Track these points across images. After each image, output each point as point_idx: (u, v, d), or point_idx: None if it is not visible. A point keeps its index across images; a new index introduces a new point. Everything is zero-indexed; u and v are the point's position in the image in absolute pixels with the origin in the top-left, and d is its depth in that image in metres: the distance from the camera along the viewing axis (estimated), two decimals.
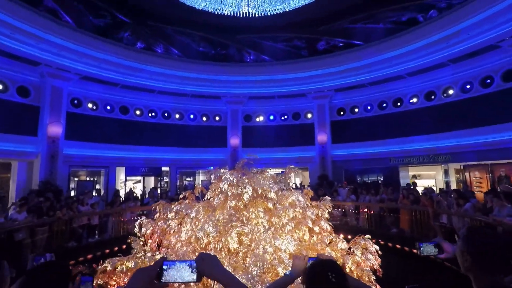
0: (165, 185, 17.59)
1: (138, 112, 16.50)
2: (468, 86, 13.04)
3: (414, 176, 16.59)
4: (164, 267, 1.13)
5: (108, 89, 15.33)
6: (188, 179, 18.64)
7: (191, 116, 17.69)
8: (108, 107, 15.62)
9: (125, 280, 3.56)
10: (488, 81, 12.39)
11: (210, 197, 4.52)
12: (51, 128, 12.86)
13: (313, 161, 16.89)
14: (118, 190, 14.24)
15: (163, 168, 17.61)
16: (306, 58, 15.88)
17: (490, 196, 6.54)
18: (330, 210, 4.80)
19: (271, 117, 18.01)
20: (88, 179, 16.63)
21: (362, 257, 3.99)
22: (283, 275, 2.05)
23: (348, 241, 4.33)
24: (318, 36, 16.17)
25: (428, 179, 15.98)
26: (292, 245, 3.52)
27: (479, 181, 13.01)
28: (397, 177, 15.15)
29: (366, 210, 10.79)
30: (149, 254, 3.73)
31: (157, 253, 3.78)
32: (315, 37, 16.25)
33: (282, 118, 18.00)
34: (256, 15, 11.23)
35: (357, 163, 16.50)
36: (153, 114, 17.00)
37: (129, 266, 3.62)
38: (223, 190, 4.28)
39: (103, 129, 15.05)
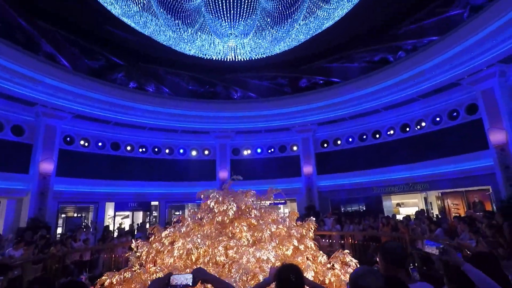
0: (154, 219, 17.63)
1: (129, 148, 17.00)
2: (438, 119, 14.13)
3: (398, 205, 17.18)
4: (171, 277, 1.75)
5: (100, 126, 15.91)
6: (177, 212, 18.76)
7: (181, 151, 18.26)
8: (100, 144, 16.11)
9: None
10: (455, 114, 13.52)
11: (201, 217, 5.02)
12: (43, 165, 13.18)
13: (300, 192, 17.36)
14: (108, 226, 14.30)
15: (153, 203, 17.77)
16: (289, 95, 16.99)
17: (456, 222, 7.15)
18: (314, 229, 5.23)
19: (259, 150, 18.72)
20: (75, 215, 16.58)
21: (342, 270, 4.41)
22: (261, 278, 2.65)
23: (329, 256, 4.80)
24: (300, 74, 17.49)
25: (411, 207, 16.56)
26: (272, 256, 3.97)
27: (456, 207, 13.66)
28: (380, 206, 15.68)
29: (350, 239, 11.18)
30: (146, 275, 4.08)
31: (152, 268, 4.15)
32: (297, 76, 17.55)
33: (269, 151, 18.73)
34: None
35: (343, 193, 17.05)
36: (144, 149, 17.51)
37: (127, 276, 4.05)
38: (211, 207, 4.83)
39: (94, 165, 15.40)
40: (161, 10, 8.65)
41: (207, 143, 18.55)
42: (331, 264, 4.49)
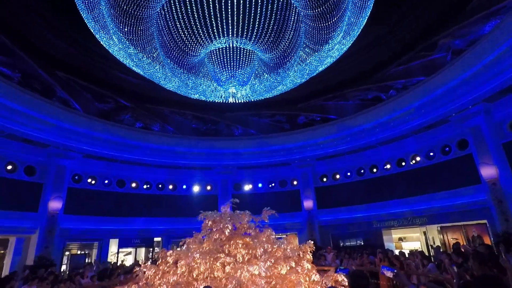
0: (156, 256, 17.63)
1: (133, 185, 17.52)
2: (431, 154, 14.65)
3: (400, 239, 17.17)
4: None
5: (107, 164, 16.60)
6: (179, 249, 18.77)
7: (184, 187, 18.73)
8: (106, 181, 16.68)
9: None
10: (447, 149, 14.06)
11: (201, 237, 5.45)
12: (52, 204, 13.68)
13: (301, 226, 17.49)
14: (116, 262, 14.47)
15: (156, 239, 17.91)
16: (288, 132, 17.78)
17: (444, 257, 7.42)
18: (311, 251, 5.52)
19: (260, 185, 19.13)
20: (79, 252, 16.72)
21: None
22: None
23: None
24: (297, 112, 18.37)
25: (413, 241, 16.55)
26: (263, 271, 4.32)
27: (456, 241, 13.68)
28: (381, 240, 15.72)
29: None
30: None
31: (157, 281, 4.55)
32: (294, 113, 18.44)
33: (270, 185, 19.13)
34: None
35: (343, 227, 17.14)
36: (148, 186, 18.02)
37: None
38: (209, 225, 5.28)
39: (99, 202, 15.86)
40: (169, 61, 9.62)
41: (209, 179, 19.05)
42: (323, 282, 4.80)
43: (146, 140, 16.29)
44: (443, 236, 14.38)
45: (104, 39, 9.61)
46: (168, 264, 4.94)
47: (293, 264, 4.90)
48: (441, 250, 12.45)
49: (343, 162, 17.88)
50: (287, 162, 18.38)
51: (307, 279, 4.75)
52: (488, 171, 11.54)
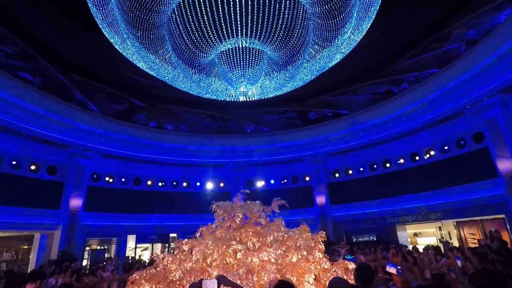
0: (172, 251, 18.16)
1: (149, 183, 18.03)
2: (446, 148, 14.39)
3: (416, 235, 17.01)
4: (203, 282, 2.56)
5: (123, 163, 17.14)
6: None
7: (198, 184, 19.12)
8: (123, 179, 17.25)
9: (147, 286, 4.58)
10: (462, 142, 13.78)
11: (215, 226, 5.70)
12: (72, 202, 14.30)
13: (314, 222, 17.55)
14: (134, 257, 15.03)
15: (171, 234, 18.42)
16: (299, 128, 17.82)
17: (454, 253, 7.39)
18: (323, 241, 5.55)
19: (272, 181, 19.29)
20: (99, 248, 17.40)
21: (343, 275, 4.76)
22: (264, 278, 3.36)
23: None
24: (308, 108, 18.37)
25: (429, 236, 16.38)
26: (272, 257, 4.51)
27: (472, 237, 13.48)
28: (395, 236, 15.63)
29: None
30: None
31: (173, 267, 4.88)
32: (306, 109, 18.44)
33: (282, 182, 19.26)
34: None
35: (356, 223, 17.12)
36: (163, 183, 18.50)
37: (152, 272, 4.84)
38: (221, 214, 5.50)
39: (117, 200, 16.43)
40: (180, 62, 9.86)
41: (222, 176, 19.35)
42: (334, 270, 4.87)
43: (160, 139, 16.72)
44: (459, 231, 14.18)
45: (118, 43, 9.95)
46: (184, 253, 5.18)
47: (304, 253, 4.95)
48: (450, 245, 12.29)
49: (355, 157, 17.79)
50: (299, 158, 18.44)
51: (318, 267, 4.85)
52: (505, 164, 11.29)
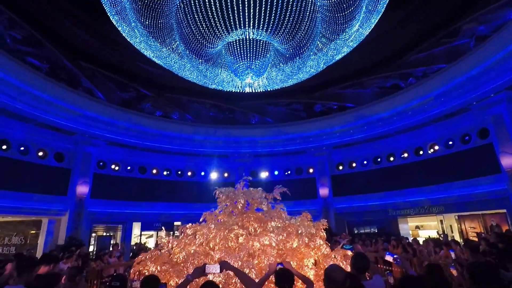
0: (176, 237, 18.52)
1: (154, 171, 18.27)
2: (450, 143, 14.40)
3: (417, 227, 17.17)
4: (206, 266, 2.66)
5: (129, 151, 17.36)
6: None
7: (202, 174, 19.33)
8: (129, 168, 17.49)
9: (153, 267, 4.76)
10: (467, 138, 13.79)
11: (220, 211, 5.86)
12: (79, 188, 14.57)
13: (317, 213, 17.74)
14: (140, 243, 15.35)
15: (175, 223, 18.73)
16: (304, 120, 17.85)
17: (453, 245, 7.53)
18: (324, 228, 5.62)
19: (276, 173, 19.44)
20: (105, 234, 17.79)
21: (342, 262, 4.89)
22: (265, 261, 3.51)
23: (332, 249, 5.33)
24: (314, 100, 18.36)
25: (431, 229, 16.52)
26: (273, 241, 4.66)
27: (473, 230, 13.62)
28: (396, 228, 15.81)
29: None
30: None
31: (177, 249, 5.07)
32: (311, 102, 18.43)
33: (286, 173, 19.41)
34: None
35: (359, 215, 17.30)
36: (168, 172, 18.74)
37: (157, 253, 5.08)
38: (223, 199, 5.66)
39: (123, 188, 16.71)
40: (187, 52, 9.90)
41: (226, 166, 19.53)
42: (333, 256, 5.03)
43: (165, 128, 16.86)
44: (460, 225, 14.32)
45: (126, 31, 9.98)
46: (188, 237, 5.33)
47: (306, 240, 5.03)
48: (448, 238, 12.44)
49: (359, 151, 17.85)
50: (303, 150, 18.53)
51: (318, 252, 4.97)
52: (508, 161, 11.32)
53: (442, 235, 13.26)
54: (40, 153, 14.19)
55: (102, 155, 16.38)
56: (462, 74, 12.16)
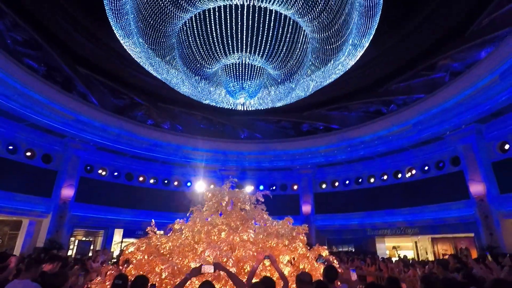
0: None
1: (141, 179, 18.42)
2: (426, 168, 15.37)
3: (394, 248, 17.84)
4: (202, 267, 3.12)
5: (117, 157, 17.51)
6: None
7: (188, 184, 19.59)
8: (116, 173, 17.60)
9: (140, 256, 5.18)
10: (441, 164, 14.77)
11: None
12: (64, 191, 14.59)
13: None
14: (123, 250, 15.24)
15: (158, 232, 18.71)
16: (292, 138, 18.58)
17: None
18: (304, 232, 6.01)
19: (261, 187, 19.91)
20: (84, 239, 17.57)
21: (315, 261, 5.32)
22: (243, 253, 3.97)
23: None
24: (302, 120, 19.18)
25: (408, 250, 17.21)
26: (251, 236, 5.16)
27: (445, 252, 14.39)
28: (374, 248, 16.43)
29: None
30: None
31: (164, 239, 5.53)
32: (299, 121, 19.24)
33: (271, 188, 19.91)
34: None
35: (339, 233, 17.88)
36: (155, 180, 18.92)
37: (146, 242, 5.50)
38: (209, 197, 6.12)
39: (108, 193, 16.76)
40: (186, 69, 10.47)
41: (213, 178, 19.86)
42: (308, 255, 5.46)
43: (156, 137, 17.18)
44: (433, 247, 15.10)
45: (128, 44, 10.50)
46: (176, 233, 5.79)
47: (286, 243, 5.46)
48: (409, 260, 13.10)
49: (342, 171, 18.64)
50: (289, 167, 19.17)
51: (295, 252, 5.37)
52: (476, 188, 12.25)
53: (402, 258, 13.97)
54: (28, 153, 14.23)
55: (90, 159, 16.48)
56: (438, 105, 13.21)
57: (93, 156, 16.45)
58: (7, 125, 13.38)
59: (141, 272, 4.98)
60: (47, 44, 14.21)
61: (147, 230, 5.97)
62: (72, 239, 16.67)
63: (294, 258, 5.25)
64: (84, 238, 17.45)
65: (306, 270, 5.04)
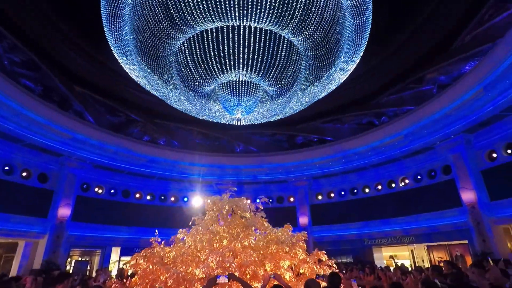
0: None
1: (138, 195, 18.39)
2: (419, 177, 15.76)
3: (391, 257, 17.99)
4: (218, 278, 3.33)
5: (114, 175, 17.51)
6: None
7: (185, 199, 19.59)
8: (112, 191, 17.55)
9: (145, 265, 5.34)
10: (433, 173, 15.18)
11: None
12: (61, 211, 14.49)
13: None
14: (123, 268, 15.10)
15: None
16: (287, 151, 18.87)
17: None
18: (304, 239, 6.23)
19: (258, 200, 19.95)
20: (80, 259, 17.29)
21: (316, 266, 5.52)
22: (245, 258, 4.13)
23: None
24: (296, 132, 19.55)
25: (405, 259, 17.38)
26: (252, 243, 5.38)
27: (441, 259, 14.59)
28: (371, 257, 16.57)
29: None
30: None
31: (168, 248, 5.80)
32: (294, 134, 19.61)
33: (269, 201, 20.00)
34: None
35: (336, 244, 17.97)
36: (151, 197, 18.90)
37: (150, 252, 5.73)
38: (210, 206, 6.29)
39: (105, 211, 16.67)
40: (183, 87, 10.76)
41: (210, 193, 19.90)
42: (308, 260, 5.65)
43: (152, 153, 17.26)
44: (429, 255, 15.31)
45: (126, 63, 10.79)
46: (179, 244, 5.99)
47: (286, 249, 5.66)
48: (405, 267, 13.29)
49: (337, 182, 18.92)
50: (285, 180, 19.38)
51: (296, 257, 5.58)
52: (467, 195, 12.63)
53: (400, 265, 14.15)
54: (24, 174, 14.17)
55: (87, 177, 16.45)
56: (426, 117, 13.68)
57: (90, 174, 16.44)
58: (3, 145, 13.37)
59: (146, 281, 5.16)
60: (44, 64, 14.40)
61: (150, 240, 6.15)
62: (69, 259, 16.43)
63: (294, 264, 5.44)
64: (80, 258, 17.20)
65: (307, 275, 5.25)
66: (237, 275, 4.27)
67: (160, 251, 5.74)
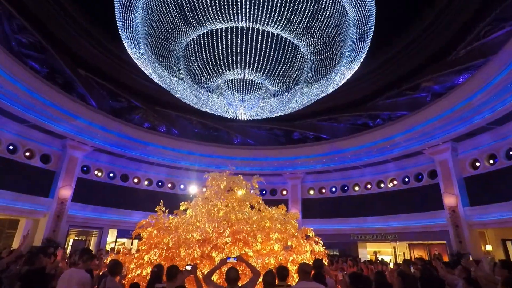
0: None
1: (136, 180, 18.89)
2: (406, 179, 16.58)
3: (375, 252, 18.96)
4: (228, 259, 4.02)
5: (114, 159, 17.95)
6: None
7: (182, 186, 20.17)
8: (111, 174, 18.02)
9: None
10: (420, 176, 16.00)
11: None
12: (62, 191, 14.96)
13: None
14: (120, 249, 15.74)
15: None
16: (283, 146, 19.48)
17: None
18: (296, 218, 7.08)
19: (252, 191, 20.66)
20: (77, 238, 17.85)
21: (303, 240, 6.32)
22: (237, 227, 5.14)
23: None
24: (294, 128, 20.12)
25: (387, 255, 18.37)
26: (246, 215, 6.21)
27: (420, 258, 15.54)
28: (356, 252, 17.49)
29: None
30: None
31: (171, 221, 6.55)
32: (291, 129, 20.18)
33: (261, 193, 20.72)
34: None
35: (324, 237, 18.63)
36: (149, 182, 19.42)
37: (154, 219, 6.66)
38: (209, 180, 7.16)
39: (104, 194, 17.18)
40: (189, 80, 11.19)
41: (205, 182, 20.45)
42: (296, 234, 6.45)
43: (152, 140, 17.71)
44: (410, 252, 16.27)
45: (135, 54, 11.16)
46: (181, 216, 6.81)
47: (279, 226, 6.32)
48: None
49: (330, 178, 19.66)
50: (279, 173, 20.05)
51: (285, 232, 6.31)
52: (449, 200, 13.47)
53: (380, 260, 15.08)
54: (27, 153, 14.53)
55: (87, 160, 16.87)
56: (418, 123, 14.40)
57: (90, 157, 16.85)
58: (9, 124, 13.68)
59: (151, 241, 5.92)
60: (51, 46, 14.59)
61: (156, 209, 6.89)
62: (68, 238, 16.96)
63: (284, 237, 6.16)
64: (77, 238, 17.75)
65: (294, 247, 5.98)
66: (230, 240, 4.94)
67: (164, 218, 6.52)
